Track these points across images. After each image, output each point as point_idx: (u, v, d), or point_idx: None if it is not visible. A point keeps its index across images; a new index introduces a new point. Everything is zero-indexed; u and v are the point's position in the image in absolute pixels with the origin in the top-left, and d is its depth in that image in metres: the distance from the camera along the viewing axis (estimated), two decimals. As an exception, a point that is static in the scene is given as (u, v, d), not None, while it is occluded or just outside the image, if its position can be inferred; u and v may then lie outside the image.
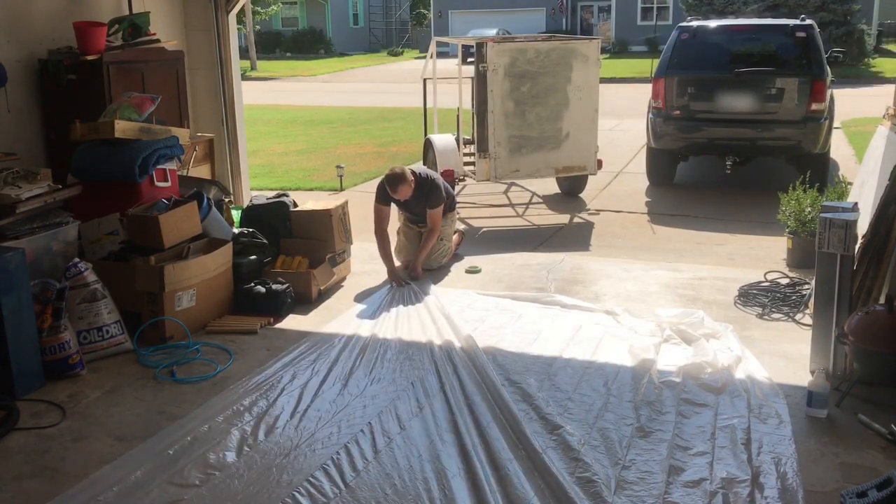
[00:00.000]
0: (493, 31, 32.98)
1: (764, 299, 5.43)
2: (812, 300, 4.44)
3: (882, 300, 4.20)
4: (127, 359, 4.68)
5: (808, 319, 4.94)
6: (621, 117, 14.99)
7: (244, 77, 14.21)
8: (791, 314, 5.19)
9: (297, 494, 3.30)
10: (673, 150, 9.31)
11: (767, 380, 4.24)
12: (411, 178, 5.98)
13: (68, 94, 5.76)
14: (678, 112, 8.94)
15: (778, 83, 8.62)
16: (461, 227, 7.66)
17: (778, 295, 5.48)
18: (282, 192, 7.00)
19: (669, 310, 5.23)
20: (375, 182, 10.59)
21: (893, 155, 4.77)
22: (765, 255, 6.06)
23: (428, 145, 8.98)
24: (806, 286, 5.48)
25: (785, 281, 5.71)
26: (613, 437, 3.70)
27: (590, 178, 8.79)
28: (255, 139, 13.23)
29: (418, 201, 6.11)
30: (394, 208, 6.29)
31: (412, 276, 6.03)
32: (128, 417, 4.02)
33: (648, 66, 20.06)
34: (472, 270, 6.00)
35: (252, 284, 5.39)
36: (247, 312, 5.27)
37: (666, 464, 3.49)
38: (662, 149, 9.26)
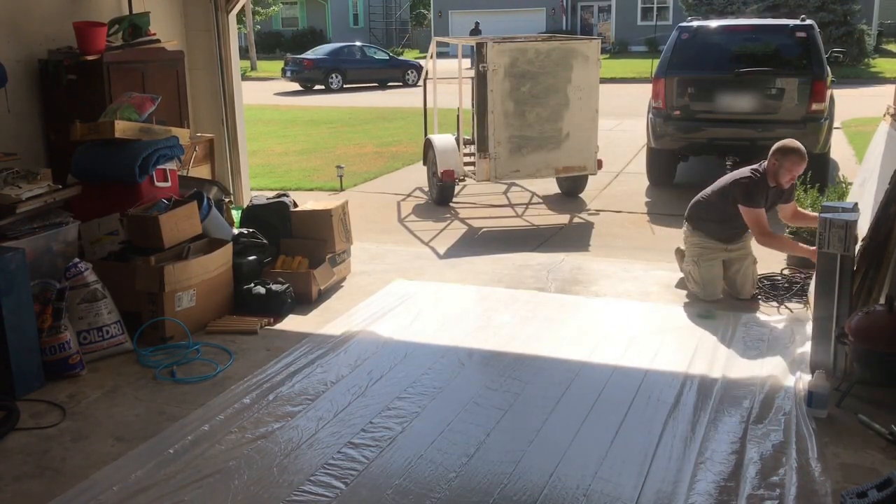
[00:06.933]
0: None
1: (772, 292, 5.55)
2: (811, 297, 4.44)
3: (882, 300, 4.20)
4: (127, 359, 4.68)
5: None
6: (621, 117, 14.98)
7: (244, 77, 14.21)
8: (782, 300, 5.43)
9: (297, 494, 3.30)
10: (673, 150, 9.31)
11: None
12: None
13: (68, 95, 5.75)
14: (678, 112, 8.93)
15: (778, 83, 8.61)
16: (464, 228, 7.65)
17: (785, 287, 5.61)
18: (282, 192, 6.99)
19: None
20: (375, 182, 10.75)
21: (894, 153, 4.76)
22: (766, 255, 6.04)
23: (428, 145, 8.98)
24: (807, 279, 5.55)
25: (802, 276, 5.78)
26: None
27: (590, 178, 8.80)
28: (255, 139, 13.23)
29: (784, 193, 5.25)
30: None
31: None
32: (128, 417, 4.01)
33: (648, 66, 20.05)
34: (707, 315, 5.23)
35: (252, 285, 5.38)
36: (247, 312, 5.26)
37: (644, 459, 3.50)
38: (662, 149, 9.26)
